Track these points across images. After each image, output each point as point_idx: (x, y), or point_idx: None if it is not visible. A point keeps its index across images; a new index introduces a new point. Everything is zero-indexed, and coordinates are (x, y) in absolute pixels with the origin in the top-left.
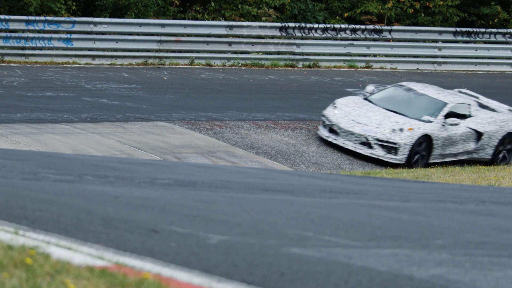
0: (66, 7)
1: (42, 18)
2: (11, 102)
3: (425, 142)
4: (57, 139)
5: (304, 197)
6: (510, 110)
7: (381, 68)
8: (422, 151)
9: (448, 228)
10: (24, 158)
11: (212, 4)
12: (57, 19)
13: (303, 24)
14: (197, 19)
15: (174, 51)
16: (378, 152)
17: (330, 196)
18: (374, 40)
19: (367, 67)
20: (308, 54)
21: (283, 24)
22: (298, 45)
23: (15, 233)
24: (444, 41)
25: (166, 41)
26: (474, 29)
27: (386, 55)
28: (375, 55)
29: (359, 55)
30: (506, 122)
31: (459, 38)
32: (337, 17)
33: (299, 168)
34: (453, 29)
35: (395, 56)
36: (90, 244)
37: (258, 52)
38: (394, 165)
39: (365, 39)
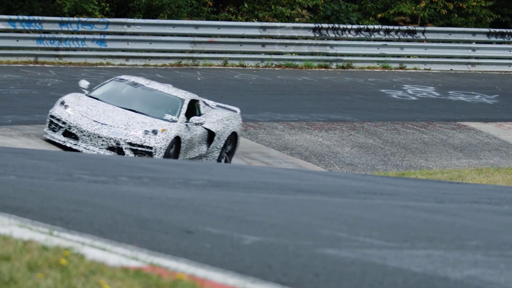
0: (99, 8)
1: (75, 19)
2: (45, 103)
3: (174, 145)
4: None
5: (338, 198)
6: (218, 106)
7: (415, 69)
8: (172, 155)
9: (483, 229)
10: (58, 159)
11: (245, 5)
12: (90, 20)
13: (336, 25)
14: (230, 20)
15: (207, 52)
16: None
17: (364, 197)
18: (408, 41)
19: (400, 68)
20: (342, 55)
21: (316, 25)
22: (331, 46)
23: (50, 234)
24: (477, 42)
25: (200, 42)
26: (508, 30)
27: (419, 56)
28: (408, 56)
29: (393, 56)
30: (231, 121)
31: (493, 39)
32: (370, 18)
33: (333, 169)
34: (486, 29)
35: (428, 57)
36: (125, 245)
37: (291, 53)
38: None
39: (399, 40)
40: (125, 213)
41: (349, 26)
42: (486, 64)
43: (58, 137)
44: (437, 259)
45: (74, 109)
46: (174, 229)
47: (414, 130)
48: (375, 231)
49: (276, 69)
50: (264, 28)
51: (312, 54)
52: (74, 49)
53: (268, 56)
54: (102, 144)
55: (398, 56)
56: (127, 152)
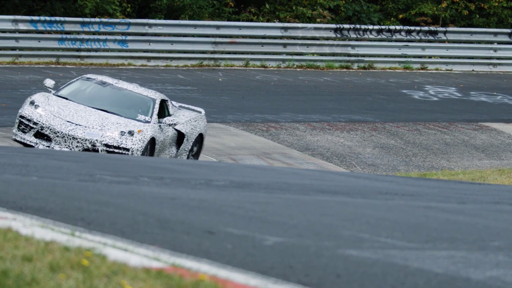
0: (121, 9)
1: (97, 19)
2: None
3: (149, 147)
4: None
5: (360, 199)
6: (181, 106)
7: (437, 69)
8: None
9: (505, 230)
10: (80, 160)
11: (267, 5)
12: (112, 20)
13: (358, 26)
14: (251, 20)
15: (229, 52)
16: None
17: (386, 198)
18: (429, 41)
19: (422, 69)
20: (363, 55)
21: (337, 26)
22: (353, 46)
23: (72, 234)
24: (499, 43)
25: (221, 43)
26: None
27: (441, 57)
28: (430, 57)
29: (414, 56)
30: (198, 122)
31: None
32: (391, 19)
33: (354, 170)
34: (508, 30)
35: (450, 57)
36: (147, 246)
37: (313, 54)
38: None
39: (420, 40)
40: (147, 214)
41: (370, 27)
42: (508, 65)
43: (29, 138)
44: (459, 260)
45: (45, 109)
46: (196, 230)
47: (436, 131)
48: (397, 232)
49: (298, 69)
50: (285, 28)
51: (333, 54)
52: (96, 50)
53: (290, 57)
54: (77, 146)
55: (420, 56)
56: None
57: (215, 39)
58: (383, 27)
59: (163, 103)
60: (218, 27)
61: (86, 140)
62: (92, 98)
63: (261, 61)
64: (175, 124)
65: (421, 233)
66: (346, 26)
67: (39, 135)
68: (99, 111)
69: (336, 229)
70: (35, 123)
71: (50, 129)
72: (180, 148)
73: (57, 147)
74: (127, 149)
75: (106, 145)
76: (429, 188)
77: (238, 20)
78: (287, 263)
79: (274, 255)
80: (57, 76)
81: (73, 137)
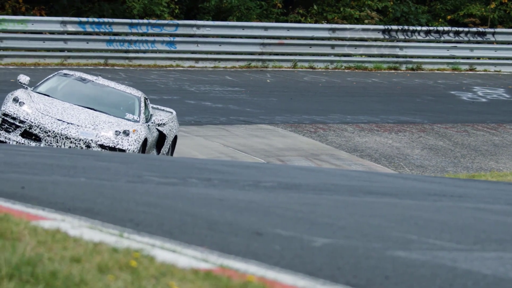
0: (169, 10)
1: (145, 21)
2: None
3: (141, 148)
4: None
5: (408, 200)
6: (152, 107)
7: (485, 70)
8: None
9: None
10: (128, 161)
11: (315, 7)
12: (160, 22)
13: (406, 27)
14: (299, 21)
15: (277, 53)
16: None
17: (434, 199)
18: (478, 42)
19: (470, 70)
20: (411, 56)
21: (386, 27)
22: (401, 47)
23: (120, 235)
24: None
25: (269, 44)
26: None
27: (489, 58)
28: (478, 58)
29: (463, 57)
30: (174, 123)
31: None
32: (440, 20)
33: (403, 171)
34: None
35: (498, 58)
36: (195, 247)
37: (361, 55)
38: None
39: (469, 41)
40: (195, 215)
41: (418, 28)
42: None
43: (15, 138)
44: (508, 261)
45: (31, 106)
46: (244, 231)
47: (485, 132)
48: (445, 233)
49: (346, 71)
50: (333, 30)
51: (381, 56)
52: (144, 51)
53: (338, 58)
54: (69, 147)
55: (468, 58)
56: None
57: (263, 40)
58: (431, 28)
59: (145, 102)
60: (266, 28)
61: (80, 140)
62: (76, 95)
63: (309, 62)
64: (164, 124)
65: (470, 234)
66: (394, 27)
67: (27, 134)
68: (86, 109)
69: (384, 231)
70: (21, 122)
71: (40, 128)
72: (161, 151)
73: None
74: (123, 150)
75: (101, 146)
76: (477, 190)
77: (286, 21)
78: (335, 264)
79: (322, 257)
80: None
81: (66, 136)
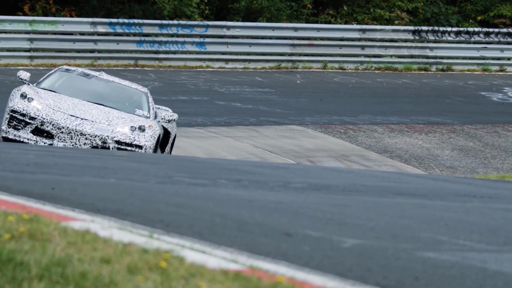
0: (199, 11)
1: (175, 22)
2: None
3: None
4: (191, 143)
5: (438, 201)
6: None
7: None
8: None
9: None
10: (158, 162)
11: (345, 7)
12: (190, 23)
13: (436, 28)
14: (329, 22)
15: (307, 54)
16: None
17: (465, 200)
18: (508, 43)
19: (501, 71)
20: (442, 57)
21: (416, 28)
22: (431, 48)
23: (150, 236)
24: None
25: (299, 45)
26: None
27: None
28: (509, 59)
29: (493, 58)
30: (174, 121)
31: None
32: (470, 20)
33: (433, 172)
34: None
35: None
36: (224, 248)
37: (391, 56)
38: None
39: (499, 42)
40: (225, 216)
41: (448, 29)
42: None
43: (25, 135)
44: None
45: (41, 102)
46: (273, 232)
47: None
48: (475, 234)
49: (376, 72)
50: (363, 30)
51: (411, 56)
52: (174, 52)
53: (368, 59)
54: (84, 143)
55: (498, 58)
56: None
57: (293, 41)
58: (461, 29)
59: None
60: (296, 29)
61: (96, 136)
62: (82, 91)
63: (339, 63)
64: (174, 120)
65: (500, 235)
66: (425, 28)
67: (38, 131)
68: (96, 105)
69: (414, 232)
70: (31, 118)
71: (53, 125)
72: (166, 149)
73: (60, 145)
74: (140, 146)
75: (118, 142)
76: (507, 191)
77: (316, 22)
78: (365, 265)
79: (352, 257)
80: (135, 79)
81: (81, 133)
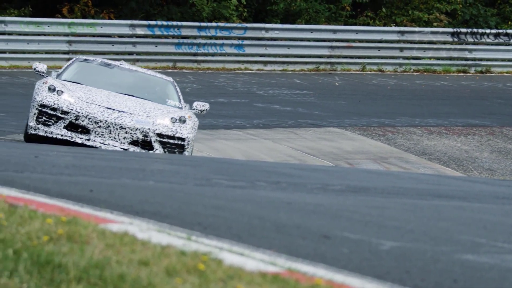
0: (237, 13)
1: (214, 24)
2: None
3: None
4: (230, 145)
5: (477, 203)
6: None
7: None
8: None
9: None
10: (197, 164)
11: (383, 9)
12: (229, 25)
13: (475, 30)
14: (368, 24)
15: (345, 57)
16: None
17: (503, 203)
18: None
19: None
20: (480, 59)
21: (455, 30)
22: (470, 50)
23: (188, 239)
24: None
25: (338, 47)
26: None
27: None
28: None
29: None
30: None
31: None
32: (509, 22)
33: (471, 174)
34: None
35: None
36: (263, 250)
37: (430, 58)
38: None
39: None
40: (263, 218)
41: (487, 31)
42: None
43: (58, 131)
44: None
45: (71, 95)
46: (312, 234)
47: None
48: None
49: (414, 74)
50: (402, 33)
51: (450, 58)
52: (212, 54)
53: (406, 61)
54: (124, 138)
55: None
56: (156, 146)
57: (331, 43)
58: (500, 31)
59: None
60: (334, 31)
61: (136, 129)
62: (108, 81)
63: (377, 65)
64: (206, 110)
65: None
66: (463, 30)
67: (72, 126)
68: (128, 96)
69: (452, 234)
70: (64, 112)
71: (89, 119)
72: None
73: (98, 140)
74: (183, 139)
75: (159, 135)
76: None
77: (355, 24)
78: (403, 267)
79: (390, 260)
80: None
81: (121, 126)
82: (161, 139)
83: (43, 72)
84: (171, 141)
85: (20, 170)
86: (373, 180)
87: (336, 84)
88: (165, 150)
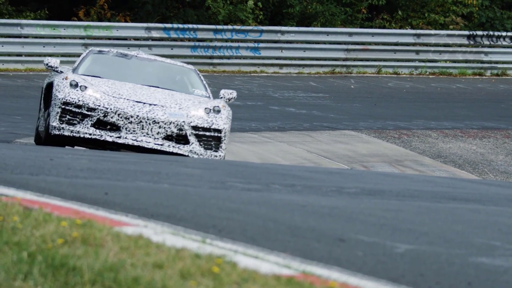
0: (253, 16)
1: (229, 27)
2: None
3: None
4: (245, 148)
5: (492, 206)
6: None
7: None
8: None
9: None
10: (212, 167)
11: (399, 12)
12: (245, 28)
13: (491, 32)
14: (384, 27)
15: (361, 59)
16: (196, 149)
17: None
18: None
19: None
20: (496, 62)
21: (471, 33)
22: (486, 53)
23: (203, 241)
24: None
25: (353, 50)
26: None
27: None
28: None
29: None
30: None
31: None
32: None
33: (487, 177)
34: None
35: None
36: (277, 253)
37: (445, 61)
38: None
39: None
40: (278, 221)
41: (504, 34)
42: None
43: (85, 130)
44: None
45: (96, 90)
46: (326, 237)
47: None
48: None
49: (430, 76)
50: (418, 35)
51: (466, 61)
52: (228, 57)
53: (422, 64)
54: (158, 133)
55: None
56: (192, 139)
57: (347, 46)
58: None
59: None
60: (350, 34)
61: (171, 123)
62: (128, 73)
63: (393, 68)
64: (234, 98)
65: None
66: (479, 33)
67: (100, 124)
68: (154, 88)
69: (467, 237)
70: (90, 109)
71: (119, 114)
72: None
73: (129, 137)
74: (219, 130)
75: (195, 128)
76: None
77: (371, 27)
78: (418, 270)
79: (405, 263)
80: None
81: (154, 120)
82: (197, 132)
83: (56, 67)
84: (207, 133)
85: (35, 173)
86: (388, 183)
87: (352, 86)
88: (201, 143)
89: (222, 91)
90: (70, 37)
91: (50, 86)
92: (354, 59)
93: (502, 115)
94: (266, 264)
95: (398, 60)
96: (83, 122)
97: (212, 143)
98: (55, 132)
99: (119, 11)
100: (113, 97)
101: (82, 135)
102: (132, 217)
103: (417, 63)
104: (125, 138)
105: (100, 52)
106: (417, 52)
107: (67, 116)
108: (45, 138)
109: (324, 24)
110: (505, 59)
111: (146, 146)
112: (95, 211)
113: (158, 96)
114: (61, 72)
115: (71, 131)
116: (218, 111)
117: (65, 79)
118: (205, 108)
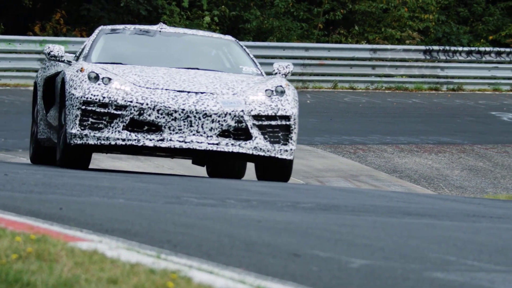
0: (210, 31)
1: None
2: None
3: None
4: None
5: (447, 221)
6: None
7: None
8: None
9: None
10: (167, 182)
11: (356, 27)
12: None
13: (447, 47)
14: (340, 42)
15: (317, 74)
16: (261, 144)
17: (474, 220)
18: None
19: (511, 91)
20: (452, 77)
21: (427, 47)
22: (442, 68)
23: (157, 257)
24: None
25: (310, 65)
26: None
27: None
28: None
29: (504, 78)
30: None
31: None
32: (481, 40)
33: (442, 192)
34: None
35: None
36: (232, 268)
37: (402, 76)
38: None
39: (510, 62)
40: (233, 236)
41: (460, 49)
42: None
43: (116, 135)
44: None
45: (124, 81)
46: (281, 252)
47: None
48: (484, 254)
49: (386, 91)
50: (374, 50)
51: (422, 76)
52: None
53: (378, 79)
54: (211, 129)
55: (510, 78)
56: (255, 133)
57: (303, 61)
58: (472, 48)
59: None
60: (307, 48)
61: (226, 114)
62: (155, 55)
63: (349, 83)
64: (290, 72)
65: (509, 256)
66: (436, 47)
67: (135, 125)
68: (192, 70)
69: (422, 252)
70: (119, 107)
71: (158, 110)
72: None
73: (175, 138)
74: (288, 117)
75: (257, 117)
76: None
77: (327, 42)
78: (372, 285)
79: (360, 278)
80: None
81: (204, 113)
82: (260, 123)
83: (61, 56)
84: (273, 122)
85: None
86: (343, 198)
87: (308, 101)
88: (266, 136)
89: (275, 65)
90: (25, 52)
91: (50, 80)
92: (310, 74)
93: (458, 130)
94: (221, 279)
95: (354, 75)
96: (112, 124)
97: (279, 134)
98: (76, 141)
99: (75, 26)
100: (147, 88)
101: (113, 142)
102: (87, 232)
103: (373, 78)
104: (170, 140)
105: (113, 31)
106: (373, 67)
107: (90, 119)
108: (64, 151)
109: (281, 39)
110: (461, 74)
111: (198, 148)
112: (49, 226)
113: (203, 81)
114: (69, 62)
115: (98, 138)
116: (282, 92)
117: (81, 70)
118: (266, 90)
